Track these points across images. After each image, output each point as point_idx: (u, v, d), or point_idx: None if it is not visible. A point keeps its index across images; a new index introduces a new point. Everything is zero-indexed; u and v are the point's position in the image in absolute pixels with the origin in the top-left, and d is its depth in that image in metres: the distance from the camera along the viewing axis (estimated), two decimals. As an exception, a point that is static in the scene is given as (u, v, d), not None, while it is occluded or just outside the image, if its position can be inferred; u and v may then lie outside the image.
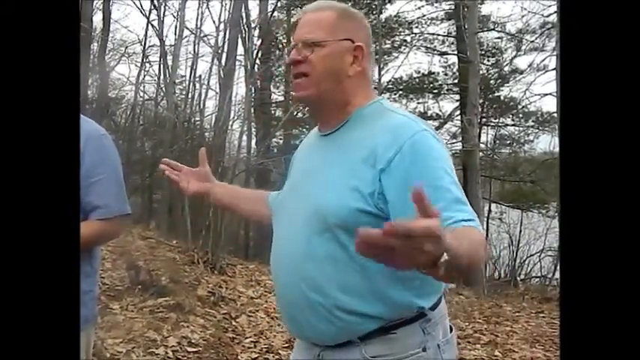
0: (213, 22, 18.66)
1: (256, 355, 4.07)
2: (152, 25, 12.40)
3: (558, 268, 10.20)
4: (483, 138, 14.23)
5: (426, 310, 1.24)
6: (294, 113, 10.94)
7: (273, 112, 14.49)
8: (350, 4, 13.48)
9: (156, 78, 14.27)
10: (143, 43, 13.86)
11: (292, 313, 1.32)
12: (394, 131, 1.20)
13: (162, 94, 13.25)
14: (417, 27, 14.04)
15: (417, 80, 14.34)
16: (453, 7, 13.31)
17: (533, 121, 13.94)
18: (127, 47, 14.58)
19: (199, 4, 11.68)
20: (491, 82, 13.88)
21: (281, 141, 13.71)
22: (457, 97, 14.20)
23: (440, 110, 14.69)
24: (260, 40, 11.64)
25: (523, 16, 12.68)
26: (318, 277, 1.23)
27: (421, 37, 14.03)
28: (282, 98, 14.48)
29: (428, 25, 14.07)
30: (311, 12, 1.33)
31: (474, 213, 1.14)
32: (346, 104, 1.32)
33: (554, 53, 11.30)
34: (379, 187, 1.17)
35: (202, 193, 1.62)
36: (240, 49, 11.20)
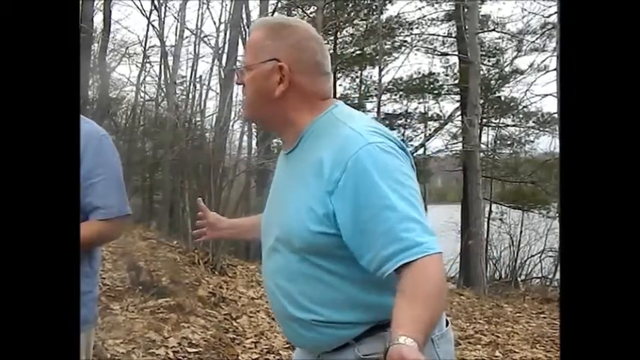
0: (214, 22, 18.66)
1: (257, 356, 4.07)
2: (153, 26, 12.42)
3: (559, 268, 10.19)
4: (484, 138, 14.24)
5: None
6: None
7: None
8: (350, 5, 13.51)
9: (156, 78, 14.30)
10: (144, 43, 13.90)
11: (283, 326, 1.36)
12: (340, 149, 1.18)
13: (162, 94, 13.26)
14: (417, 27, 14.06)
15: (418, 81, 14.34)
16: (453, 7, 13.31)
17: (533, 122, 13.93)
18: (127, 48, 14.59)
19: (200, 4, 11.70)
20: (492, 82, 13.87)
21: (281, 141, 13.69)
22: (458, 97, 14.20)
23: (440, 111, 14.72)
24: (260, 41, 11.61)
25: (524, 17, 12.69)
26: (296, 294, 1.26)
27: (422, 38, 14.04)
28: (282, 99, 14.44)
29: (428, 26, 14.10)
30: (251, 32, 1.35)
31: (426, 226, 1.14)
32: (291, 123, 1.31)
33: (555, 54, 11.31)
34: (331, 209, 1.17)
35: (224, 236, 1.75)
36: (241, 50, 11.21)
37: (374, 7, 13.31)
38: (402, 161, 1.20)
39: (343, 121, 1.26)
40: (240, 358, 3.99)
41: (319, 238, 1.19)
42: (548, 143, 14.03)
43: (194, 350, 3.89)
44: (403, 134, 14.67)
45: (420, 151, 14.34)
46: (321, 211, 1.18)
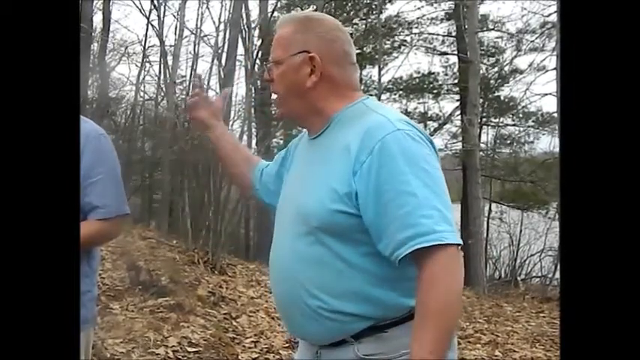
0: (213, 22, 18.70)
1: (257, 355, 4.07)
2: (152, 25, 12.41)
3: (558, 268, 10.19)
4: (483, 138, 14.23)
5: None
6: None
7: (273, 112, 14.48)
8: (350, 4, 13.51)
9: (156, 78, 14.28)
10: (143, 43, 13.88)
11: (286, 314, 1.35)
12: (368, 132, 1.20)
13: (162, 94, 13.25)
14: (416, 27, 14.04)
15: (417, 80, 14.33)
16: (452, 7, 13.31)
17: (533, 121, 13.93)
18: (127, 47, 14.56)
19: (199, 4, 11.70)
20: (492, 82, 13.87)
21: (281, 141, 13.71)
22: (457, 97, 14.20)
23: (440, 110, 14.70)
24: (260, 40, 11.64)
25: (523, 16, 12.73)
26: (304, 279, 1.25)
27: (421, 37, 14.03)
28: (282, 98, 14.43)
29: (428, 25, 14.09)
30: (278, 29, 1.37)
31: (446, 216, 1.14)
32: (320, 112, 1.32)
33: (554, 53, 11.31)
34: (354, 188, 1.18)
35: (205, 124, 1.66)
36: (241, 49, 11.22)
37: (373, 7, 13.30)
38: (429, 151, 1.22)
39: (373, 109, 1.28)
40: (239, 357, 3.99)
41: (336, 216, 1.19)
42: (547, 143, 14.05)
43: (194, 350, 3.89)
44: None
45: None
46: (343, 190, 1.19)
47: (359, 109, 1.29)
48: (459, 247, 1.16)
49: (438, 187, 1.17)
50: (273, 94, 1.38)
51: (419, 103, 14.75)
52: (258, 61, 10.46)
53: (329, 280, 1.23)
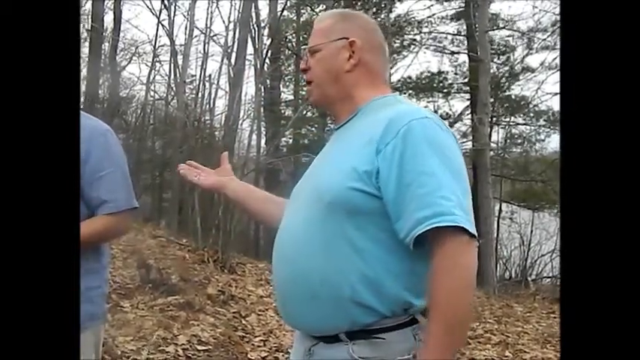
0: (223, 21, 18.76)
1: (266, 354, 4.08)
2: (162, 25, 12.46)
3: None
4: (494, 137, 14.16)
5: (419, 316, 1.22)
6: (304, 112, 10.96)
7: (282, 111, 14.53)
8: (359, 2, 13.50)
9: (166, 77, 14.35)
10: (154, 42, 13.95)
11: (284, 298, 1.32)
12: (395, 117, 1.22)
13: (172, 93, 13.31)
14: (426, 26, 13.99)
15: (427, 79, 14.29)
16: (463, 5, 13.25)
17: (544, 120, 13.85)
18: (137, 47, 14.66)
19: (209, 3, 11.74)
20: (502, 80, 13.79)
21: (290, 140, 13.74)
22: (467, 96, 14.12)
23: (450, 109, 14.64)
24: (270, 40, 11.67)
25: (534, 15, 12.64)
26: (312, 261, 1.23)
27: (431, 36, 13.98)
28: (291, 97, 14.53)
29: (438, 24, 14.03)
30: (315, 23, 1.43)
31: (463, 204, 1.15)
32: (351, 97, 1.36)
33: (566, 51, 11.20)
34: (376, 166, 1.19)
35: (217, 187, 1.65)
36: (250, 49, 11.24)
37: (383, 6, 13.26)
38: (453, 141, 1.24)
39: (402, 102, 1.34)
40: (249, 355, 4.01)
41: (352, 194, 1.19)
42: (558, 142, 13.92)
43: (203, 348, 3.91)
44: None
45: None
46: (363, 168, 1.19)
47: (388, 100, 1.33)
48: (475, 239, 1.16)
49: (460, 174, 1.19)
50: (306, 82, 1.42)
51: (429, 102, 14.69)
52: (267, 60, 10.47)
53: (336, 261, 1.20)
